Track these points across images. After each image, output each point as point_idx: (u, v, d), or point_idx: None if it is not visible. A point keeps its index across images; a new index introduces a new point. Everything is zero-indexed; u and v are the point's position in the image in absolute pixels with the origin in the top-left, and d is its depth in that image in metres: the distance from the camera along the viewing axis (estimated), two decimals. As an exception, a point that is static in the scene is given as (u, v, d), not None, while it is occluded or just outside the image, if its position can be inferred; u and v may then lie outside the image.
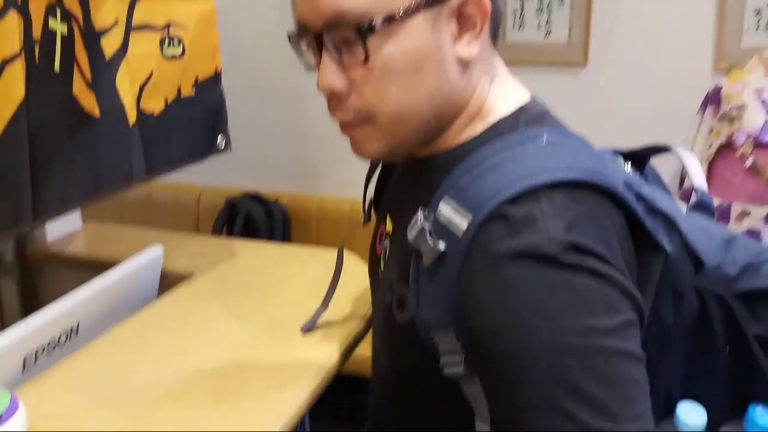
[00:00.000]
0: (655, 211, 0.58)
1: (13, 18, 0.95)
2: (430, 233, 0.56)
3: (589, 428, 0.48)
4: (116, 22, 1.17)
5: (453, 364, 0.57)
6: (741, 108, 1.77)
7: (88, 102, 1.11)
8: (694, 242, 0.59)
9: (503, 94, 0.67)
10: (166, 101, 1.25)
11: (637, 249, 0.58)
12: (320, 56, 0.61)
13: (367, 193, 0.91)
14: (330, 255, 1.49)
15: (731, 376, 0.63)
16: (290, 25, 2.61)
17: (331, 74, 0.61)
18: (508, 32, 2.25)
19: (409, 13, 0.58)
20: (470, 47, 0.62)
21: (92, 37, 1.13)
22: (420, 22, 0.59)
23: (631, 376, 0.51)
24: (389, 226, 0.77)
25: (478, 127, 0.66)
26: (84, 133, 1.10)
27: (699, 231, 0.60)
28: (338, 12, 0.57)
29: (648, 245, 0.58)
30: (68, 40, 1.08)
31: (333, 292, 1.14)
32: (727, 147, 1.78)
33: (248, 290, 1.34)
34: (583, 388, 0.49)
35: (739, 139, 1.76)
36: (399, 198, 0.78)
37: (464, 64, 0.63)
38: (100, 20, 1.15)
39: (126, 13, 1.19)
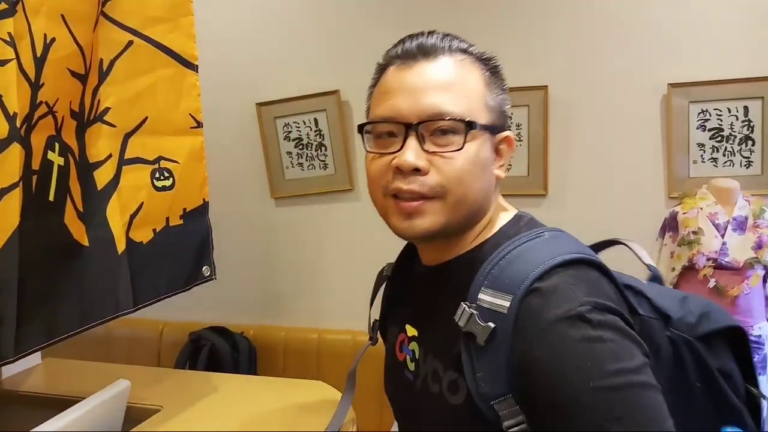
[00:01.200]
0: (624, 285, 0.75)
1: (15, 150, 0.97)
2: (478, 318, 0.69)
3: None
4: (110, 156, 1.20)
5: (517, 425, 0.68)
6: (698, 232, 1.88)
7: (78, 231, 1.11)
8: (660, 303, 0.76)
9: (500, 210, 0.86)
10: (154, 231, 1.26)
11: None
12: (403, 142, 0.77)
13: (371, 316, 1.03)
14: (303, 385, 1.45)
15: (705, 413, 0.77)
16: (260, 159, 2.70)
17: (416, 155, 0.76)
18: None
19: (488, 128, 0.79)
20: (500, 171, 0.82)
21: (86, 169, 1.16)
22: (487, 138, 0.80)
23: (658, 402, 0.64)
24: (411, 332, 0.89)
25: (485, 234, 0.82)
26: (72, 262, 1.09)
27: (660, 295, 0.78)
28: (442, 111, 0.76)
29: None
30: (64, 171, 1.10)
31: (344, 417, 1.13)
32: (690, 269, 1.88)
33: (224, 424, 1.27)
34: (624, 416, 0.62)
35: (700, 261, 1.86)
36: (418, 306, 0.90)
37: (496, 182, 0.82)
38: (94, 154, 1.17)
39: (119, 148, 1.22)
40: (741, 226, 1.89)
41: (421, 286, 0.90)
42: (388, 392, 0.98)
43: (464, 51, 0.81)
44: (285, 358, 2.63)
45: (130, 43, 1.26)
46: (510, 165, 0.88)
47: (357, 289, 2.33)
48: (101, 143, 1.19)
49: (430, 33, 0.82)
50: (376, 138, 0.81)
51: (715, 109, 2.09)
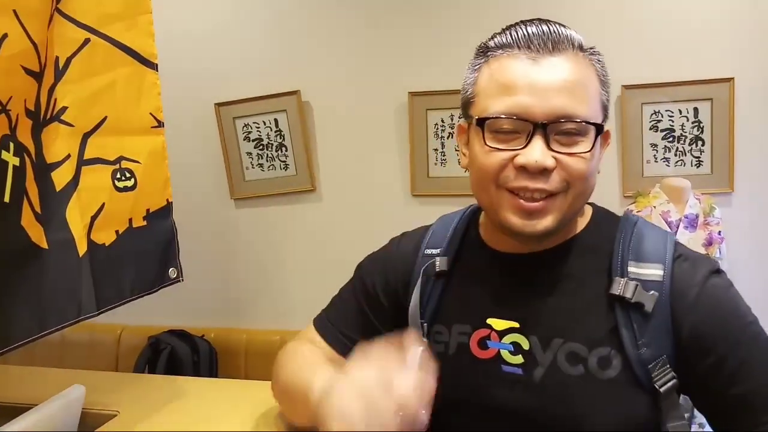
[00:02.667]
0: None
1: (-32, 150, 0.93)
2: (642, 287, 0.79)
3: None
4: (68, 156, 1.17)
5: (668, 382, 0.78)
6: (652, 230, 1.94)
7: (36, 234, 1.07)
8: None
9: None
10: (117, 232, 1.23)
11: None
12: (528, 140, 0.78)
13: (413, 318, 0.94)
14: (262, 387, 1.43)
15: None
16: (219, 160, 2.66)
17: (544, 155, 0.77)
18: (431, 168, 2.41)
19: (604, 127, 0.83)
20: (600, 164, 0.85)
21: (43, 170, 1.12)
22: (600, 136, 0.82)
23: None
24: (502, 325, 0.86)
25: (583, 221, 0.90)
26: (31, 266, 1.05)
27: None
28: (571, 113, 0.77)
29: None
30: (20, 172, 1.06)
31: None
32: (644, 266, 1.93)
33: (180, 427, 1.24)
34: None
35: (654, 258, 1.92)
36: (508, 296, 0.88)
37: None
38: (52, 154, 1.14)
39: (78, 148, 1.19)
40: (692, 223, 1.96)
41: (512, 275, 0.89)
42: (457, 397, 0.87)
43: (581, 46, 0.82)
44: (247, 361, 2.60)
45: (87, 41, 1.23)
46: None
47: (319, 289, 2.31)
48: (59, 143, 1.15)
49: (546, 21, 0.82)
50: (492, 131, 0.80)
51: (666, 111, 2.16)
